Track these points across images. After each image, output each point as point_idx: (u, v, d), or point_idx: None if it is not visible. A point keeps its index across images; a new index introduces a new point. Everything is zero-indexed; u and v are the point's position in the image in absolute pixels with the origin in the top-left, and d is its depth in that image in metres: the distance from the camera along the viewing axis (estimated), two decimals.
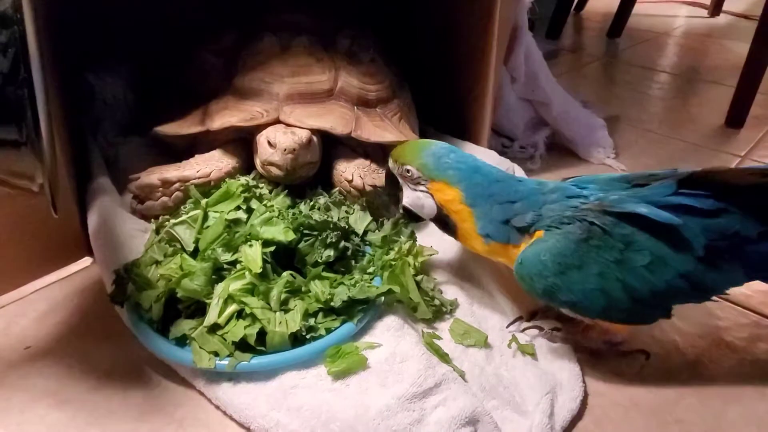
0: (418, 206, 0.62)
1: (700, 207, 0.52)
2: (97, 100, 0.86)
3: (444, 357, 0.58)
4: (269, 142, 0.69)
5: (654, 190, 0.54)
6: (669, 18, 2.15)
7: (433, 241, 0.72)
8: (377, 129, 0.76)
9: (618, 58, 1.71)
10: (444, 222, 0.61)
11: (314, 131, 0.71)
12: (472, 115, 0.90)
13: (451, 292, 0.67)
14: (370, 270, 0.64)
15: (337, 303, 0.58)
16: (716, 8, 2.15)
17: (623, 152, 1.09)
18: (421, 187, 0.61)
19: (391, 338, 0.58)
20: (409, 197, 0.62)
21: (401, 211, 0.65)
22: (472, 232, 0.58)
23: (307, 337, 0.56)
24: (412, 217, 0.65)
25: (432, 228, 0.78)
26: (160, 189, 0.70)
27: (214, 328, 0.55)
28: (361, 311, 0.59)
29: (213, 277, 0.58)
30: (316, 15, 0.84)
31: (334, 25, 0.83)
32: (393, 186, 0.65)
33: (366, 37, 0.84)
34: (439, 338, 0.60)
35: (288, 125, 0.71)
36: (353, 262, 0.65)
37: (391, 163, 0.63)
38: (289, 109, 0.73)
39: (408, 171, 0.61)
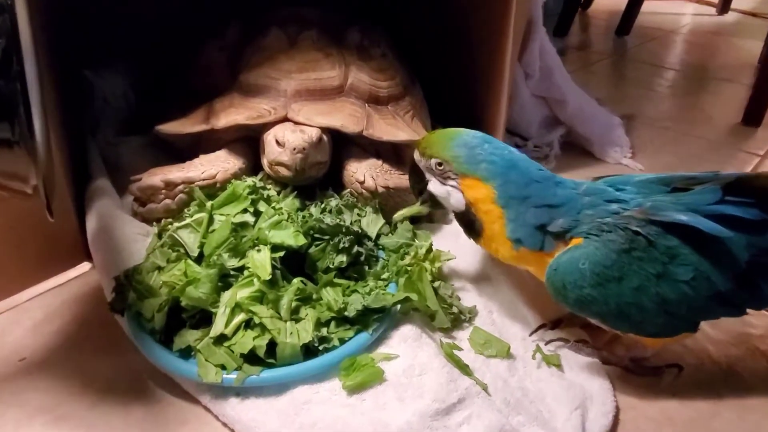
0: (445, 199, 0.58)
1: (747, 218, 0.48)
2: (97, 98, 0.83)
3: (465, 369, 0.54)
4: (277, 141, 0.66)
5: (697, 196, 0.50)
6: (676, 16, 2.13)
7: (449, 244, 0.69)
8: (389, 127, 0.73)
9: (627, 56, 1.69)
10: (469, 222, 0.56)
11: (324, 129, 0.68)
12: (486, 112, 0.86)
13: (469, 298, 0.64)
14: (385, 276, 0.61)
15: (351, 312, 0.55)
16: (725, 6, 2.13)
17: (639, 151, 1.06)
18: (451, 182, 0.56)
19: (408, 349, 0.55)
20: (437, 190, 0.58)
21: (426, 198, 0.60)
22: (500, 235, 0.54)
23: (320, 348, 0.53)
24: (435, 203, 0.60)
25: (446, 230, 0.75)
26: (163, 191, 0.67)
27: (220, 340, 0.52)
28: (377, 320, 0.56)
29: (219, 284, 0.55)
30: (323, 9, 0.80)
31: (343, 19, 0.80)
32: (417, 180, 0.60)
33: (376, 32, 0.81)
34: (460, 349, 0.57)
35: (297, 123, 0.68)
36: (366, 267, 0.62)
37: (416, 156, 0.59)
38: (298, 106, 0.70)
39: (440, 165, 0.56)
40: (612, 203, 0.52)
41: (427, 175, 0.59)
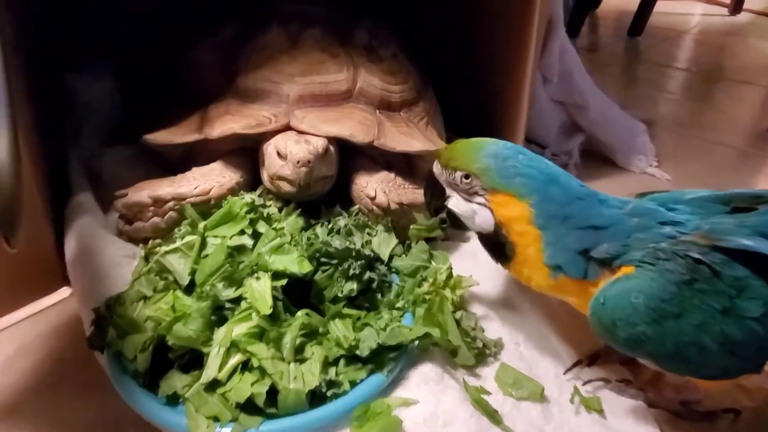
0: (469, 219, 0.51)
1: None
2: (79, 103, 0.77)
3: (494, 416, 0.47)
4: (279, 153, 0.60)
5: (764, 217, 0.43)
6: (686, 16, 2.10)
7: (468, 265, 0.63)
8: (403, 136, 0.66)
9: (640, 58, 1.64)
10: (498, 245, 0.49)
11: (331, 139, 0.62)
12: (505, 119, 0.80)
13: (492, 329, 0.57)
14: (400, 305, 0.55)
15: (364, 351, 0.48)
16: (737, 6, 2.08)
17: (664, 159, 1.00)
18: (479, 198, 0.49)
19: (429, 393, 0.48)
20: (460, 207, 0.51)
21: (444, 218, 0.54)
22: (536, 261, 0.47)
23: (328, 394, 0.46)
24: (455, 223, 0.54)
25: (464, 249, 0.69)
26: (151, 208, 0.61)
27: (213, 386, 0.45)
28: (393, 359, 0.49)
29: (212, 318, 0.48)
30: (327, 5, 0.74)
31: (350, 16, 0.73)
32: (435, 196, 0.54)
33: (386, 31, 0.74)
34: (488, 393, 0.50)
35: (300, 132, 0.62)
36: (379, 295, 0.55)
37: (436, 169, 0.52)
38: (301, 113, 0.63)
39: (466, 178, 0.49)
40: (666, 225, 0.45)
41: (449, 191, 0.52)
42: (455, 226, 0.55)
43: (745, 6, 2.09)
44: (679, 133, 1.11)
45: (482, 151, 0.49)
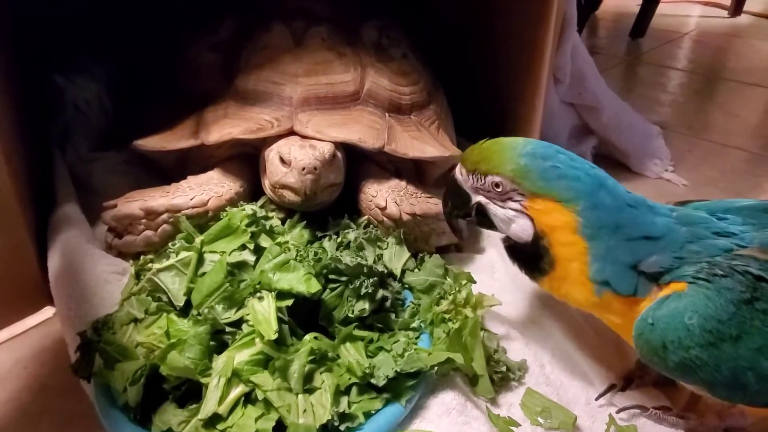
0: (503, 224, 0.46)
1: None
2: (67, 105, 0.74)
3: None
4: (282, 159, 0.56)
5: None
6: (686, 18, 2.10)
7: (482, 279, 0.59)
8: (415, 141, 0.62)
9: (644, 60, 1.63)
10: (533, 257, 0.44)
11: (337, 145, 0.58)
12: (518, 122, 0.76)
13: (515, 349, 0.53)
14: (415, 325, 0.51)
15: (379, 380, 0.44)
16: (737, 8, 2.08)
17: (678, 164, 0.97)
18: (514, 204, 0.44)
19: (452, 426, 0.44)
20: (497, 214, 0.46)
21: (461, 227, 0.49)
22: (579, 276, 0.42)
23: (342, 428, 0.42)
24: (482, 222, 0.48)
25: (479, 262, 0.65)
26: (143, 220, 0.57)
27: (213, 421, 0.41)
28: (411, 387, 0.45)
29: (211, 344, 0.44)
30: (333, 2, 0.70)
31: (357, 13, 0.69)
32: (456, 205, 0.48)
33: (395, 28, 0.70)
34: (516, 424, 0.45)
35: (305, 137, 0.58)
36: (392, 315, 0.51)
37: (461, 174, 0.47)
38: (306, 116, 0.59)
39: (498, 185, 0.44)
40: (720, 237, 0.41)
41: (476, 198, 0.47)
42: (482, 225, 0.48)
43: (744, 8, 2.08)
44: (689, 135, 1.09)
45: (516, 150, 0.43)
